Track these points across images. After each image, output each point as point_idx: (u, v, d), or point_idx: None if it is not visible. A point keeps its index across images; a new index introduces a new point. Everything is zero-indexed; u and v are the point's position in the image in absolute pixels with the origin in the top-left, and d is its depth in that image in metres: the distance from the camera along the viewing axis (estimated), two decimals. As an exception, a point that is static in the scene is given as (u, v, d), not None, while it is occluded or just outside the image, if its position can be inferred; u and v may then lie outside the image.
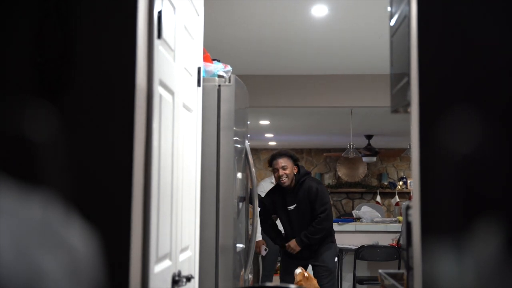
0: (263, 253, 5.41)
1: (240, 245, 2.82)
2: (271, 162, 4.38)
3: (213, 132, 2.62)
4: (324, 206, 4.30)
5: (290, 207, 4.33)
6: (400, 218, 6.59)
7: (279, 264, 4.81)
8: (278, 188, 4.45)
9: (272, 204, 4.44)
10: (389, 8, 1.73)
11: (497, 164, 1.27)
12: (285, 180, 4.24)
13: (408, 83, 1.42)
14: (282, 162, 4.26)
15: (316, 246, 4.39)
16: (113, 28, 1.48)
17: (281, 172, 4.24)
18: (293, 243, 4.32)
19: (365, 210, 6.95)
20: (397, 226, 6.28)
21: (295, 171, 4.31)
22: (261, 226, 4.57)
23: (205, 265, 2.53)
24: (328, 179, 11.59)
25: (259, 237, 5.24)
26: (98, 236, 1.22)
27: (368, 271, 6.08)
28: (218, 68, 2.78)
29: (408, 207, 1.47)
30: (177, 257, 1.96)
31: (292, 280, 4.23)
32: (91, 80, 1.48)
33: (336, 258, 4.55)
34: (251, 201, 3.32)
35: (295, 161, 4.34)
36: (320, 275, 4.38)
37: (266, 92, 5.91)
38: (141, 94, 1.51)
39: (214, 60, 2.87)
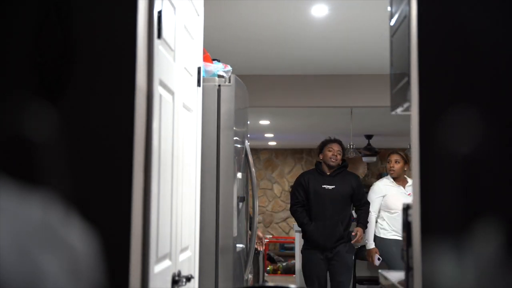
0: (377, 263, 4.97)
1: (240, 245, 2.82)
2: (326, 143, 4.78)
3: (213, 132, 2.62)
4: (366, 196, 4.88)
5: (327, 186, 4.64)
6: (400, 218, 6.56)
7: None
8: (316, 171, 4.81)
9: (308, 181, 4.71)
10: (389, 8, 1.73)
11: (497, 164, 1.27)
12: (335, 161, 4.69)
13: (408, 83, 1.42)
14: (339, 148, 4.76)
15: (339, 241, 4.58)
16: (113, 28, 1.48)
17: (335, 153, 4.70)
18: (359, 231, 4.66)
19: (365, 210, 6.92)
20: (397, 226, 6.27)
21: (340, 162, 4.76)
22: (293, 205, 4.78)
23: (205, 265, 2.53)
24: (328, 179, 11.57)
25: (371, 245, 4.99)
26: (98, 236, 1.22)
27: (368, 271, 6.07)
28: (218, 68, 2.78)
29: (408, 207, 1.47)
30: (177, 257, 1.96)
31: (314, 268, 4.54)
32: (91, 80, 1.48)
33: (353, 256, 4.74)
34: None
35: (344, 154, 4.84)
36: (339, 272, 4.52)
37: (266, 92, 5.90)
38: (141, 94, 1.51)
39: (214, 60, 2.87)
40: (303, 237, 4.76)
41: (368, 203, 4.79)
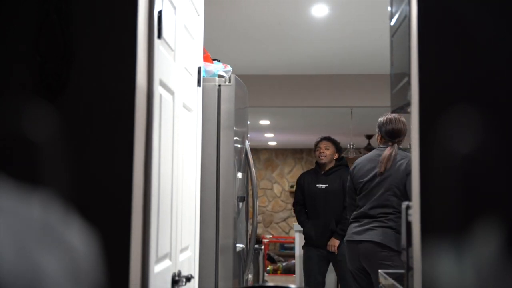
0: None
1: (240, 245, 2.82)
2: (316, 143, 4.82)
3: (213, 132, 2.62)
4: None
5: (320, 185, 4.70)
6: (400, 218, 6.55)
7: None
8: (314, 170, 4.91)
9: (304, 181, 4.84)
10: (389, 8, 1.74)
11: (497, 164, 1.27)
12: (323, 158, 4.71)
13: (408, 83, 1.42)
14: (327, 144, 4.75)
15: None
16: (113, 28, 1.48)
17: (322, 150, 4.71)
18: (332, 241, 4.59)
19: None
20: (397, 226, 6.27)
21: (335, 157, 4.77)
22: (293, 205, 4.97)
23: (205, 265, 2.53)
24: (328, 179, 11.56)
25: None
26: (98, 236, 1.22)
27: (368, 271, 6.06)
28: (218, 68, 2.78)
29: (408, 207, 1.47)
30: (177, 257, 1.96)
31: (310, 264, 4.66)
32: (91, 80, 1.48)
33: None
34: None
35: (338, 150, 4.80)
36: (344, 270, 4.55)
37: (266, 92, 5.90)
38: (141, 94, 1.51)
39: (214, 60, 2.87)
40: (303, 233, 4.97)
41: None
